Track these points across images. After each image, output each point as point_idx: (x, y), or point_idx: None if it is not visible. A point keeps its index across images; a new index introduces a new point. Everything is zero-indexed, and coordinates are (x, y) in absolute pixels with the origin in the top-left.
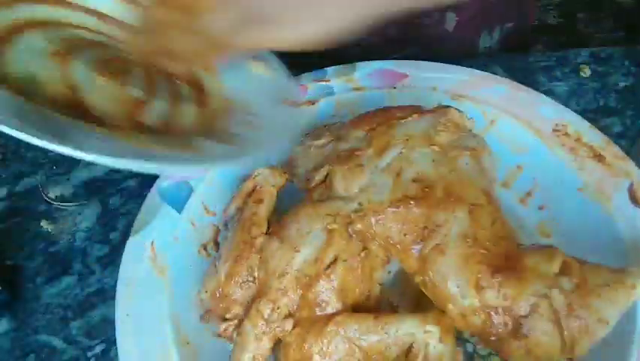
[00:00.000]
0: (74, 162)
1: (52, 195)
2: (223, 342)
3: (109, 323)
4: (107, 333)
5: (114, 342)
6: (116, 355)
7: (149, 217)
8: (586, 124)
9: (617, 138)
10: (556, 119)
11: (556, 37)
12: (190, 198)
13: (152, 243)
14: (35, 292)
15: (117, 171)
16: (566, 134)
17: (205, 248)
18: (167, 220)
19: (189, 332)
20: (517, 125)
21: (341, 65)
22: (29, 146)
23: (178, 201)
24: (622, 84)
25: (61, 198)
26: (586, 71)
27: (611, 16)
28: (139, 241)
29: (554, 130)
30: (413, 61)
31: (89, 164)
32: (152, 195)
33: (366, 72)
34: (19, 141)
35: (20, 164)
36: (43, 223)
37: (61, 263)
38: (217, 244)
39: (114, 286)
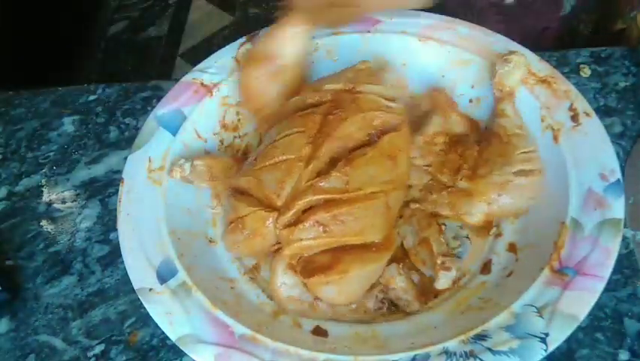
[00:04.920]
0: (74, 162)
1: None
2: (206, 241)
3: (109, 323)
4: (107, 333)
5: (114, 342)
6: (116, 355)
7: (147, 138)
8: (534, 56)
9: (617, 138)
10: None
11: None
12: (183, 124)
13: (150, 158)
14: (35, 292)
15: (117, 171)
16: None
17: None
18: (163, 141)
19: (180, 232)
20: (475, 60)
21: None
22: (29, 146)
23: (173, 126)
24: (622, 84)
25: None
26: (586, 71)
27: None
28: (138, 156)
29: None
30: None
31: (89, 163)
32: (150, 121)
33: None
34: (19, 141)
35: (20, 164)
36: (43, 223)
37: (61, 263)
38: None
39: (114, 286)
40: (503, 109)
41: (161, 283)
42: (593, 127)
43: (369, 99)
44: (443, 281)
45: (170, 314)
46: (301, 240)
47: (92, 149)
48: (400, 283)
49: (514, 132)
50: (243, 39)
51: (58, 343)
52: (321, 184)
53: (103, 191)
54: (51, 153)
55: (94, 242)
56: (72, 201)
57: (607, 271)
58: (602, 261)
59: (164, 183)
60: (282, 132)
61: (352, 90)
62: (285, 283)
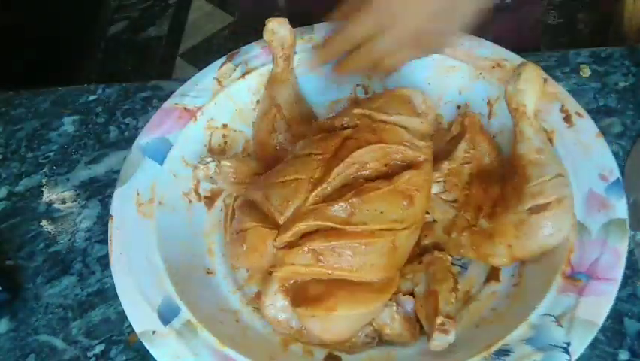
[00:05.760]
0: (74, 162)
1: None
2: (204, 273)
3: (109, 323)
4: (107, 333)
5: (114, 342)
6: (116, 355)
7: (133, 171)
8: (520, 59)
9: (617, 138)
10: (494, 57)
11: (557, 37)
12: (170, 152)
13: (137, 191)
14: (35, 292)
15: (117, 171)
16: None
17: (187, 196)
18: (149, 172)
19: (176, 267)
20: (463, 68)
21: (301, 27)
22: (29, 146)
23: (158, 155)
24: (622, 84)
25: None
26: (586, 71)
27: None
28: (126, 190)
29: (493, 67)
30: None
31: (89, 163)
32: (133, 152)
33: (324, 31)
34: (19, 141)
35: (20, 164)
36: (43, 223)
37: (61, 263)
38: (198, 194)
39: (114, 286)
40: (521, 131)
41: (165, 325)
42: (587, 127)
43: (393, 131)
44: (437, 343)
45: (179, 358)
46: (293, 264)
47: (92, 149)
48: (393, 328)
49: (530, 160)
50: (224, 58)
51: (58, 343)
52: (324, 210)
53: (103, 191)
54: (51, 153)
55: (94, 242)
56: (72, 201)
57: (619, 273)
58: (614, 263)
59: (155, 215)
60: (301, 151)
61: (376, 118)
62: (274, 305)
